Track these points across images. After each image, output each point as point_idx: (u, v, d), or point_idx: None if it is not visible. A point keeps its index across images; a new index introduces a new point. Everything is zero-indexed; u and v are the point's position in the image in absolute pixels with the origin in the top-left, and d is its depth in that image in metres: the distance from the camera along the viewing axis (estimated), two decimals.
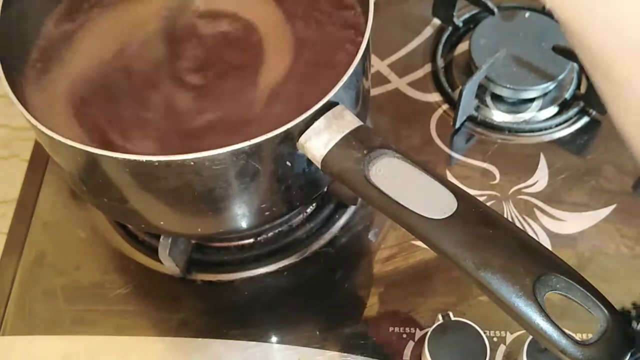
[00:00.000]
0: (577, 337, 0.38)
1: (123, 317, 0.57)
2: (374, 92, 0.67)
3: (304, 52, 0.54)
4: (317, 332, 0.55)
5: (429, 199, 0.42)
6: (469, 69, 0.67)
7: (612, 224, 0.59)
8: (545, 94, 0.66)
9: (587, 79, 0.66)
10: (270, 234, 0.60)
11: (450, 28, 0.71)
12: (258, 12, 0.56)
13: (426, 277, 0.57)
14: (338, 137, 0.44)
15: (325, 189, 0.58)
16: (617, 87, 0.35)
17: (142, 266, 0.59)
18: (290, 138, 0.45)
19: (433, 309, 0.55)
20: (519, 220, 0.60)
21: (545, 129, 0.65)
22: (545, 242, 0.58)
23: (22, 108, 0.46)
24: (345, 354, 0.54)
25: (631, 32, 0.33)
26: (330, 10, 0.56)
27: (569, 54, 0.64)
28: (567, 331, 0.38)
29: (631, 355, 0.38)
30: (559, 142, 0.64)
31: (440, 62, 0.69)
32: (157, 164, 0.43)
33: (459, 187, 0.43)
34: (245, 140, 0.43)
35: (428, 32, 0.72)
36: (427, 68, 0.69)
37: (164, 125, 0.51)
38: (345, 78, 0.45)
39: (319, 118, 0.45)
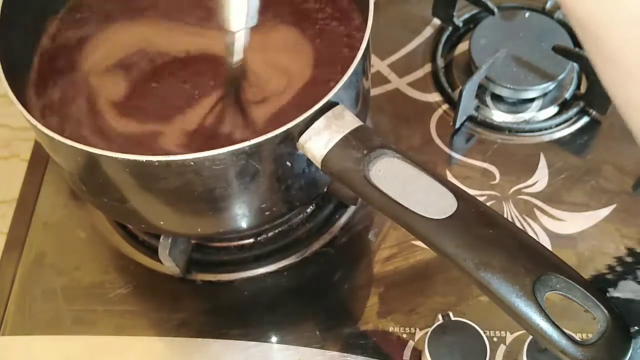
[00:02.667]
0: (577, 337, 0.38)
1: (123, 317, 0.57)
2: (374, 92, 0.67)
3: (304, 52, 0.54)
4: (317, 332, 0.55)
5: (429, 199, 0.42)
6: (469, 69, 0.67)
7: (612, 224, 0.59)
8: (545, 94, 0.66)
9: (587, 78, 0.66)
10: (270, 234, 0.60)
11: (450, 28, 0.71)
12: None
13: (426, 277, 0.57)
14: (338, 137, 0.44)
15: (325, 189, 0.58)
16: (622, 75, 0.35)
17: (142, 266, 0.59)
18: (290, 138, 0.45)
19: (433, 309, 0.55)
20: (519, 220, 0.60)
21: (545, 129, 0.65)
22: (545, 242, 0.58)
23: (22, 108, 0.45)
24: (345, 354, 0.54)
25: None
26: (330, 10, 0.56)
27: (569, 54, 0.64)
28: (567, 331, 0.38)
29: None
30: (559, 142, 0.64)
31: (440, 62, 0.69)
32: (157, 164, 0.43)
33: (459, 187, 0.43)
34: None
35: (428, 32, 0.72)
36: (427, 68, 0.69)
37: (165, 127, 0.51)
38: (345, 78, 0.45)
39: (319, 118, 0.45)
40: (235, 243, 0.60)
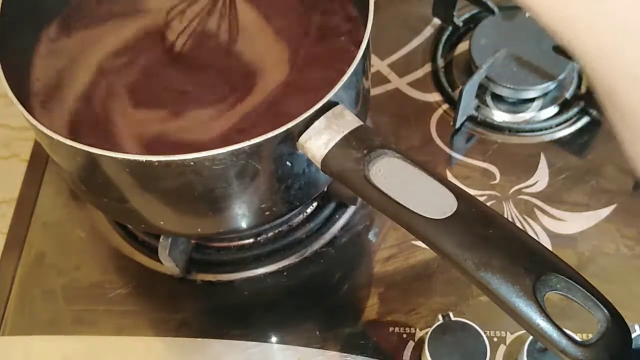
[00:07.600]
0: (577, 337, 0.38)
1: (123, 317, 0.57)
2: (374, 92, 0.67)
3: (304, 52, 0.54)
4: (317, 332, 0.55)
5: (429, 199, 0.42)
6: (469, 68, 0.67)
7: (612, 224, 0.59)
8: (546, 94, 0.66)
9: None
10: (270, 234, 0.60)
11: (450, 28, 0.71)
12: (255, 16, 0.56)
13: (426, 277, 0.57)
14: (338, 137, 0.44)
15: (325, 189, 0.58)
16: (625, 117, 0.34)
17: (142, 266, 0.59)
18: (290, 138, 0.45)
19: (433, 309, 0.55)
20: (519, 220, 0.59)
21: (546, 128, 0.65)
22: (545, 242, 0.58)
23: (22, 108, 0.45)
24: (345, 354, 0.54)
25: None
26: (330, 10, 0.56)
27: (569, 54, 0.64)
28: (567, 331, 0.38)
29: None
30: (559, 142, 0.64)
31: (441, 62, 0.69)
32: (157, 164, 0.42)
33: (459, 187, 0.43)
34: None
35: (428, 32, 0.72)
36: (427, 68, 0.69)
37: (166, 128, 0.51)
38: (345, 78, 0.45)
39: (319, 118, 0.45)
40: (235, 243, 0.60)
